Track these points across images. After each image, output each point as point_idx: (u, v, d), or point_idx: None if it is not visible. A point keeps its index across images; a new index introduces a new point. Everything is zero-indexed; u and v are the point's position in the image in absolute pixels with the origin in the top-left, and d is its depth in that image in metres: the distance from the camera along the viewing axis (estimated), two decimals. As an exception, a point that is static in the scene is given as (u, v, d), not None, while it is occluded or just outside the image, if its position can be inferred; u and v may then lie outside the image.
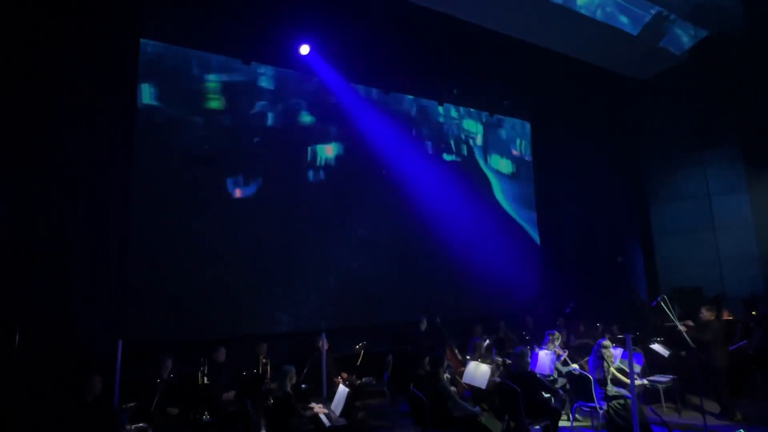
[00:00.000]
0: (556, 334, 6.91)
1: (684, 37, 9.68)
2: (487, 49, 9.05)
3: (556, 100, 11.03)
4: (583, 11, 8.48)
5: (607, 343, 5.67)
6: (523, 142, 11.62)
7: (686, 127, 10.18)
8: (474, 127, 10.91)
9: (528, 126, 11.65)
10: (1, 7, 5.92)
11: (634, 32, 9.10)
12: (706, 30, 9.50)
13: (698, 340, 6.28)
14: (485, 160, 10.93)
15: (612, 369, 5.45)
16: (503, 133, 11.34)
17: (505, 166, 11.20)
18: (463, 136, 10.70)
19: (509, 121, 11.43)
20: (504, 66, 9.70)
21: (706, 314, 6.49)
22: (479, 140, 10.92)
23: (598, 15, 8.67)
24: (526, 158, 11.56)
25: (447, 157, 10.40)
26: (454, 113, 10.69)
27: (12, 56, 6.00)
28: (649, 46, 9.49)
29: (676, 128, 10.40)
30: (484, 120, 11.06)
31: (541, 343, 6.90)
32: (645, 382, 6.41)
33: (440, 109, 10.45)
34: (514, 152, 11.42)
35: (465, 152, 10.67)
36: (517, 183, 11.34)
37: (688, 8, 8.88)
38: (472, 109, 10.88)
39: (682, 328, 6.25)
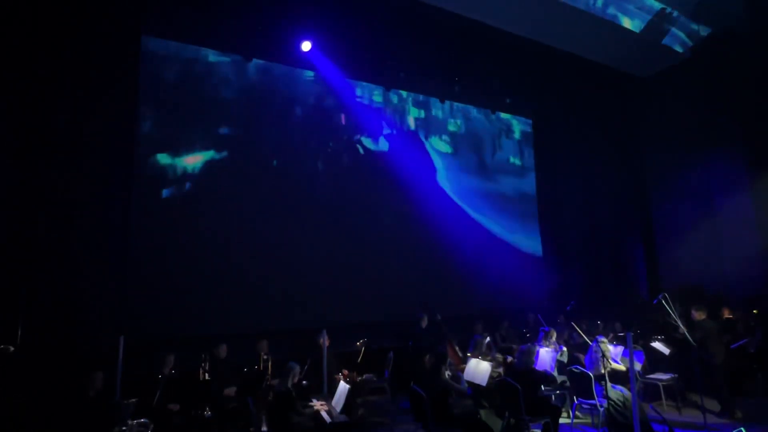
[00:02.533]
0: (551, 330, 6.93)
1: (687, 34, 9.64)
2: (488, 46, 9.03)
3: (558, 98, 11.00)
4: (585, 8, 8.44)
5: (604, 339, 5.69)
6: (525, 141, 11.61)
7: (689, 124, 10.14)
8: (477, 125, 10.90)
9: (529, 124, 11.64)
10: (1, 4, 5.92)
11: (637, 29, 9.06)
12: (709, 27, 9.46)
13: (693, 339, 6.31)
14: (486, 158, 10.92)
15: (611, 363, 5.46)
16: (504, 129, 11.33)
17: (509, 162, 11.20)
18: (462, 133, 10.68)
19: (512, 119, 11.42)
20: (506, 63, 9.67)
21: (696, 315, 6.54)
22: (481, 137, 10.91)
23: (601, 12, 8.63)
24: (528, 157, 11.56)
25: (449, 154, 10.39)
26: (457, 109, 10.69)
27: (12, 54, 6.01)
28: (652, 43, 9.45)
29: (679, 126, 10.36)
30: (483, 116, 11.04)
31: (537, 341, 6.93)
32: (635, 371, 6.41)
33: (446, 106, 10.45)
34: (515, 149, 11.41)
35: (465, 151, 10.65)
36: (519, 180, 11.33)
37: (691, 5, 8.84)
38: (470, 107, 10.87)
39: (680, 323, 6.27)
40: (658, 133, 10.90)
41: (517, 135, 11.49)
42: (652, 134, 11.03)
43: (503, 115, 11.21)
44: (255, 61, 8.26)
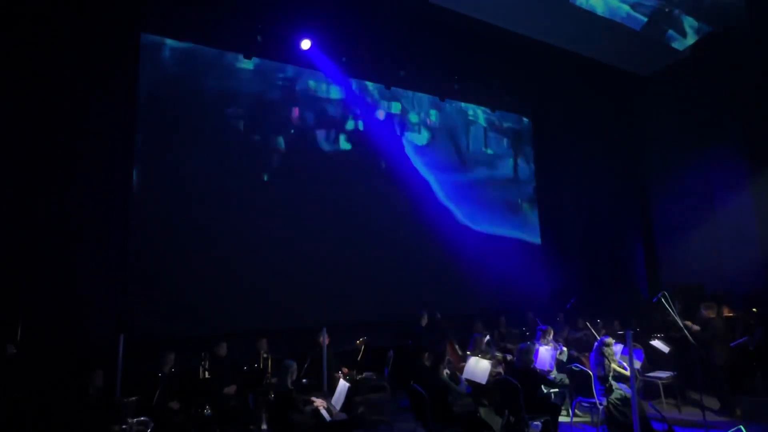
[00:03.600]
0: (548, 329, 6.94)
1: (687, 32, 9.62)
2: (488, 44, 9.02)
3: (557, 96, 10.99)
4: (585, 6, 8.43)
5: (609, 340, 5.67)
6: (524, 139, 11.62)
7: (689, 123, 10.13)
8: (477, 122, 10.90)
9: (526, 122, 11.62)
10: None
11: (637, 28, 9.05)
12: (709, 26, 9.44)
13: (699, 338, 6.29)
14: (488, 155, 10.92)
15: (614, 366, 5.46)
16: (503, 126, 11.33)
17: (502, 158, 11.21)
18: (461, 132, 10.67)
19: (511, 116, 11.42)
20: (505, 61, 9.66)
21: (707, 312, 6.49)
22: (479, 134, 10.91)
23: (601, 10, 8.61)
24: (527, 155, 11.57)
25: (448, 152, 10.39)
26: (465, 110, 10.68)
27: (11, 52, 6.00)
28: (652, 41, 9.43)
29: (679, 124, 10.35)
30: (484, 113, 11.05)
31: (535, 339, 6.94)
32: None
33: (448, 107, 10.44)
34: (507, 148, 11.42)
35: (465, 148, 10.65)
36: (518, 177, 11.35)
37: (691, 3, 8.82)
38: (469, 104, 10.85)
39: (685, 323, 6.25)
40: (657, 132, 10.89)
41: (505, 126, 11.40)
42: (652, 132, 11.02)
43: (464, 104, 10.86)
44: (255, 59, 8.25)
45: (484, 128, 10.96)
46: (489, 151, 10.94)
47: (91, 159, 6.52)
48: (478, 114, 10.91)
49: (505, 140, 11.23)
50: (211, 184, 7.64)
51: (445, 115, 10.43)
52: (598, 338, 5.89)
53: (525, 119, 11.59)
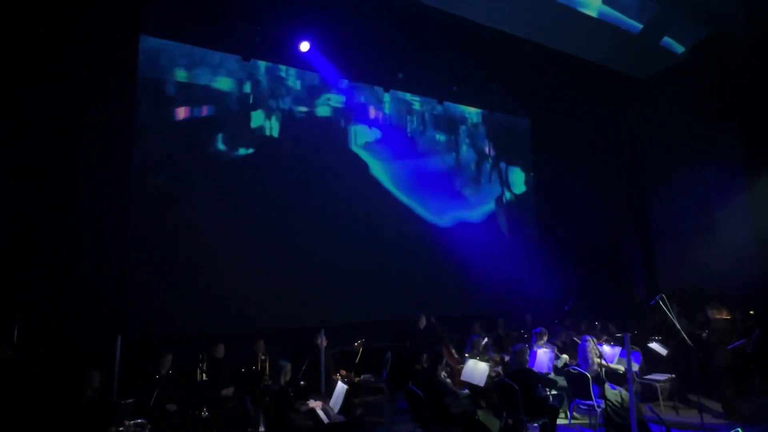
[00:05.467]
0: (542, 331, 6.95)
1: (685, 36, 9.64)
2: (487, 46, 9.03)
3: (556, 99, 11.01)
4: (583, 9, 8.45)
5: (589, 338, 5.74)
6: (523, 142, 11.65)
7: (686, 126, 10.14)
8: (475, 124, 10.92)
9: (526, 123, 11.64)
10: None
11: (635, 31, 9.07)
12: (707, 29, 9.47)
13: (704, 339, 6.29)
14: (487, 159, 10.93)
15: (596, 360, 5.49)
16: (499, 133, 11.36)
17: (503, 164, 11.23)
18: (459, 131, 10.70)
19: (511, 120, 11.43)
20: (504, 64, 9.68)
21: (712, 313, 6.47)
22: (474, 135, 10.93)
23: (599, 13, 8.64)
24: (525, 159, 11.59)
25: (447, 153, 10.40)
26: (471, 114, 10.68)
27: (10, 52, 6.00)
28: (649, 44, 9.46)
29: (677, 127, 10.36)
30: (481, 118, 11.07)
31: (531, 342, 6.95)
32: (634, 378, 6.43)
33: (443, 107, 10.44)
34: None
35: (463, 150, 10.66)
36: (516, 177, 11.37)
37: (689, 7, 8.84)
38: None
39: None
40: (655, 134, 10.90)
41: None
42: (650, 135, 11.03)
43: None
44: (254, 61, 8.25)
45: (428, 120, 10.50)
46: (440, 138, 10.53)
47: (90, 159, 6.51)
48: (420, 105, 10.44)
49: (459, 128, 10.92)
50: (210, 185, 7.64)
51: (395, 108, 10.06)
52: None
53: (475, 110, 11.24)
